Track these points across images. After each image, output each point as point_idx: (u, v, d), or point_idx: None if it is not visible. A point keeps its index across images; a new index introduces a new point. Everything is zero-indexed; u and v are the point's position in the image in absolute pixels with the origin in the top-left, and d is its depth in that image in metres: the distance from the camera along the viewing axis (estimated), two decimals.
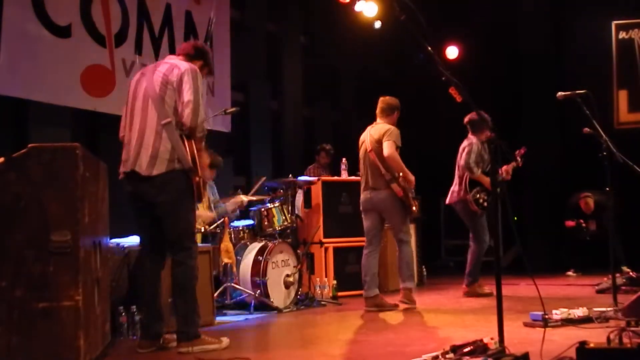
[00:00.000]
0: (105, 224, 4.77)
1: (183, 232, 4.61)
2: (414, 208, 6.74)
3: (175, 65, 4.59)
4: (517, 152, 7.91)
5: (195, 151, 4.54)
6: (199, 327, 4.64)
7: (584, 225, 9.91)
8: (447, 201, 7.78)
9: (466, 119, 7.56)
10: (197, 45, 5.05)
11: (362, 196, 6.78)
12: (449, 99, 4.15)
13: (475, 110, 3.83)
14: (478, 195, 7.38)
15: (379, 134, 6.62)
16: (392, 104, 6.86)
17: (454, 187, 7.66)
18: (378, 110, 6.86)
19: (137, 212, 4.72)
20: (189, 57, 4.81)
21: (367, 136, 6.77)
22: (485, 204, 7.39)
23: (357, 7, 9.58)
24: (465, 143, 7.58)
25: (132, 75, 5.25)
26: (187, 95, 4.46)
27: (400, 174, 6.52)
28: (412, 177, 6.60)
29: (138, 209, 4.68)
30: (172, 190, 4.49)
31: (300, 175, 7.81)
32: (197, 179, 4.55)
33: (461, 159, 7.50)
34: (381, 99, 6.90)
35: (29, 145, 3.79)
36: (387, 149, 6.50)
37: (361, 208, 6.80)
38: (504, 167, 7.70)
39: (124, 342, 5.04)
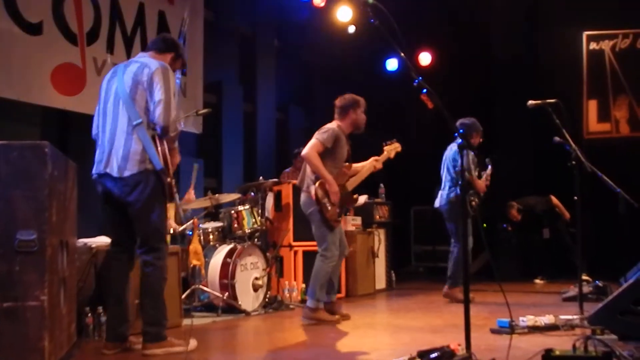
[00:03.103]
0: (73, 223, 4.72)
1: (153, 232, 4.55)
2: (327, 214, 5.90)
3: (145, 64, 4.54)
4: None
5: (167, 151, 4.51)
6: (166, 329, 4.60)
7: (509, 229, 10.49)
8: (436, 204, 7.59)
9: (458, 122, 7.19)
10: (166, 38, 5.04)
11: None
12: (421, 105, 4.16)
13: (447, 117, 3.85)
14: (471, 198, 7.32)
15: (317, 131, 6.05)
16: (343, 104, 6.15)
17: (443, 190, 7.54)
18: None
19: (108, 212, 4.68)
20: (159, 51, 4.77)
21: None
22: (476, 206, 7.32)
23: (331, 11, 9.63)
24: (455, 146, 7.39)
25: (104, 74, 5.20)
26: (158, 94, 4.43)
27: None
28: (333, 189, 5.89)
29: (109, 209, 4.65)
30: (144, 190, 4.44)
31: (272, 179, 7.80)
32: (169, 180, 4.52)
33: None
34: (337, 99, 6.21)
35: None
36: (308, 147, 5.87)
37: None
38: (485, 175, 7.65)
39: (90, 343, 4.98)
